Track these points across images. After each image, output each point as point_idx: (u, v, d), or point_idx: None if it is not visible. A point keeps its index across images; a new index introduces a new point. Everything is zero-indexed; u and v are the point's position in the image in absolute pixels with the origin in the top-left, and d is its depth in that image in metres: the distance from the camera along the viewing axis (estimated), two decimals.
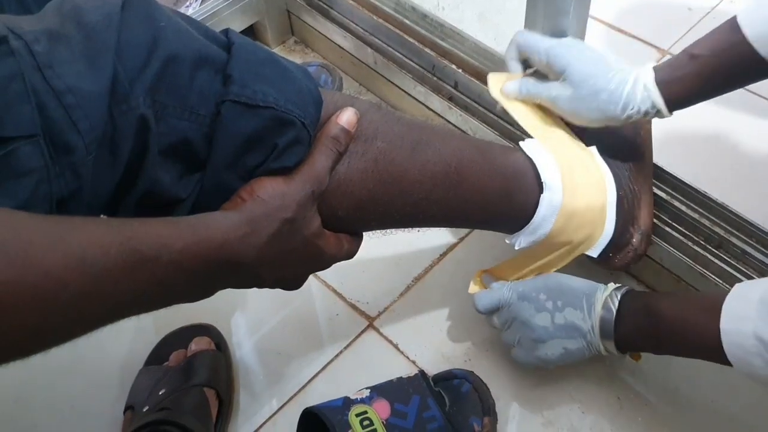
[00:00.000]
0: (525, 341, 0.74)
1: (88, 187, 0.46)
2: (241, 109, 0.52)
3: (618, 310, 0.69)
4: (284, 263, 0.55)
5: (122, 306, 0.44)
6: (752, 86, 0.69)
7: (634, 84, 0.69)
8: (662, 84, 0.69)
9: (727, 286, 0.73)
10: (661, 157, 0.80)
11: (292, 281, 0.60)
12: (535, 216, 0.71)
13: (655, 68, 0.70)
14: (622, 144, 0.78)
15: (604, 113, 0.70)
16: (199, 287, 0.50)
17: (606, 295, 0.71)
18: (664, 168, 0.80)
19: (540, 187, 0.71)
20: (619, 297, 0.70)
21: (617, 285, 0.72)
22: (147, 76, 0.48)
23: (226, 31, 0.56)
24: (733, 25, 0.66)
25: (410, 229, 0.95)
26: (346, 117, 0.57)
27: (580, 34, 0.81)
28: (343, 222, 0.61)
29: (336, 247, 0.61)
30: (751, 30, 0.65)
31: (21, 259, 0.37)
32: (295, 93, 0.54)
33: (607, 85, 0.70)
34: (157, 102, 0.49)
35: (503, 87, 0.77)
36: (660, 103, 0.69)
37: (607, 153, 0.77)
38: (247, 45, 0.55)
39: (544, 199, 0.70)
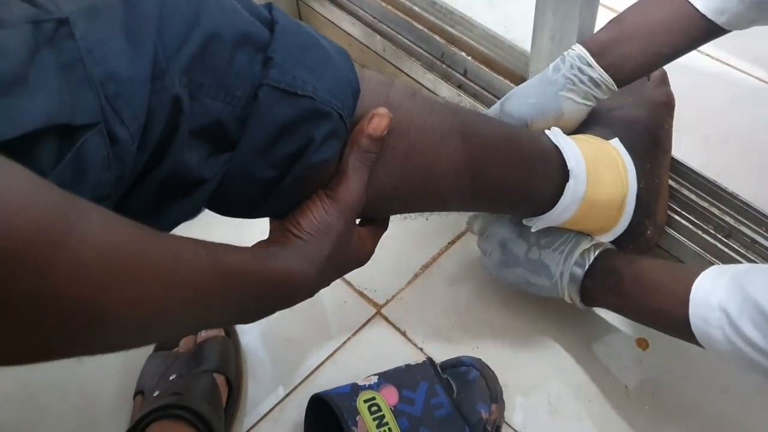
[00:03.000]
0: (495, 258, 0.78)
1: (129, 174, 0.45)
2: (278, 96, 0.50)
3: (592, 265, 0.71)
4: (331, 279, 0.58)
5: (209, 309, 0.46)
6: (761, 74, 0.69)
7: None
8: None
9: None
10: None
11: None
12: (557, 205, 0.70)
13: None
14: (645, 137, 0.77)
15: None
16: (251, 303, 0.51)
17: (585, 248, 0.72)
18: (674, 157, 0.80)
19: (564, 175, 0.70)
20: (596, 253, 0.72)
21: (604, 243, 0.74)
22: (185, 54, 0.46)
23: (270, 7, 0.54)
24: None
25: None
26: (377, 124, 0.55)
27: (590, 23, 0.81)
28: (364, 207, 0.60)
29: (374, 244, 0.62)
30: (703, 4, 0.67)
31: (140, 233, 0.39)
32: (335, 81, 0.53)
33: None
34: (193, 81, 0.47)
35: None
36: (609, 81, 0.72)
37: (629, 145, 0.76)
38: (291, 26, 0.53)
39: (569, 188, 0.69)
